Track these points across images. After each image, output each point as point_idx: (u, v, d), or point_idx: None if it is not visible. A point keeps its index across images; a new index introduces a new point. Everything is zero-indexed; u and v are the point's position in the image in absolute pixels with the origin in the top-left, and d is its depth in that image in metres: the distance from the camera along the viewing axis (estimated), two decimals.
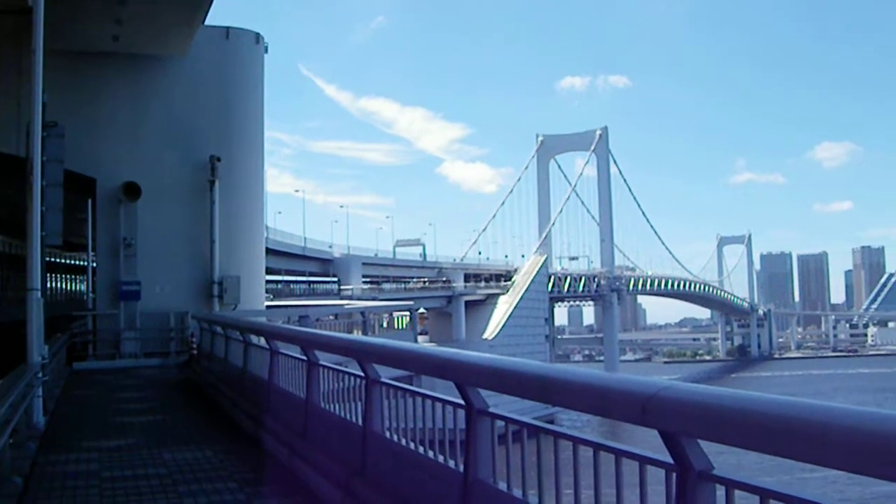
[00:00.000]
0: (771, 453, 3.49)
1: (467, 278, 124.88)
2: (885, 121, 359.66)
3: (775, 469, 25.38)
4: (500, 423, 6.21)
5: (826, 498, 3.47)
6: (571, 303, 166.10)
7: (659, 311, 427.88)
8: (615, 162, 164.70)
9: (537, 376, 5.44)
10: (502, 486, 6.07)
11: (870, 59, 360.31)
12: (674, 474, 4.23)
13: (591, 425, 79.30)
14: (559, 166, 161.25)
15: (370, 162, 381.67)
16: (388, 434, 8.29)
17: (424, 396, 7.53)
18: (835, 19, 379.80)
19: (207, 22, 32.87)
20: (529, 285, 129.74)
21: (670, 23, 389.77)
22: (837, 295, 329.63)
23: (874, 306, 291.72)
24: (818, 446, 3.29)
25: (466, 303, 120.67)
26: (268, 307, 42.14)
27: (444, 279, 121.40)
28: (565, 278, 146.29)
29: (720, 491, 3.99)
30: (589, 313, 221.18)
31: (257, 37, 37.97)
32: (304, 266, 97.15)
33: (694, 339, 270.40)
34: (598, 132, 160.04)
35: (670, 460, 4.23)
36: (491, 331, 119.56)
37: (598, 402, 4.84)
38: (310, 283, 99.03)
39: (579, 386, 4.92)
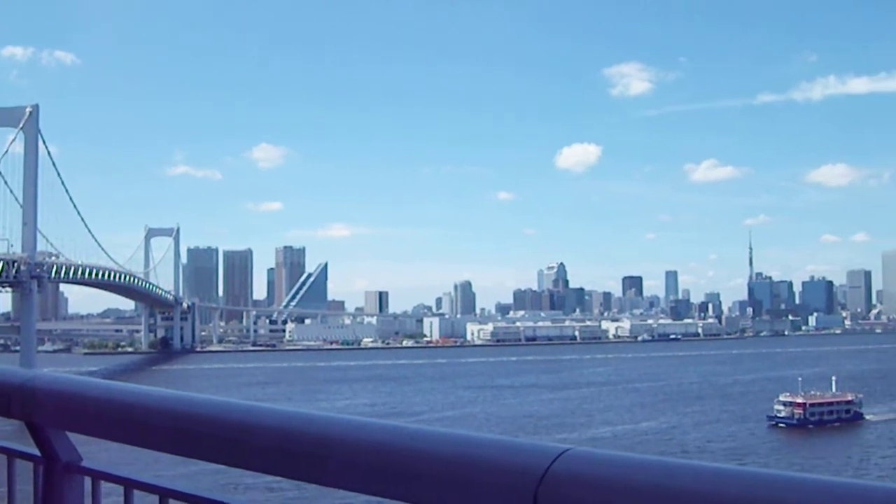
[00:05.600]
0: (140, 446, 3.58)
1: None
2: (316, 128, 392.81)
3: None
4: None
5: (190, 487, 3.48)
6: None
7: (82, 300, 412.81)
8: (44, 142, 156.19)
9: None
10: None
11: (306, 68, 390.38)
12: (42, 467, 4.12)
13: None
14: None
15: None
16: None
17: None
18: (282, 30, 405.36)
19: None
20: None
21: (124, 10, 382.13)
22: (260, 291, 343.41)
23: (293, 303, 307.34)
24: (180, 437, 3.46)
25: None
26: None
27: None
28: None
29: (89, 482, 4.02)
30: (6, 300, 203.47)
31: None
32: None
33: (117, 331, 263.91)
34: (29, 109, 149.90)
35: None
36: None
37: None
38: None
39: None
